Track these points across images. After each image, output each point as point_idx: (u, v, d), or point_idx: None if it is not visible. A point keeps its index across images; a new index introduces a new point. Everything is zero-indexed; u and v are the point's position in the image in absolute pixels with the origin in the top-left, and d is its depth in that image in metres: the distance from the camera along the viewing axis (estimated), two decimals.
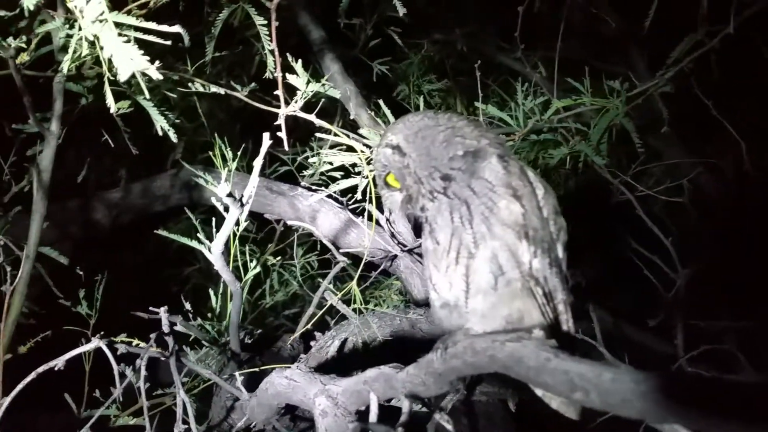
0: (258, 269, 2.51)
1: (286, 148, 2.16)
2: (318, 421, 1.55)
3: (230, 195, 1.60)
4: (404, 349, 2.37)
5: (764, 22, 2.57)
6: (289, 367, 1.89)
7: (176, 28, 1.51)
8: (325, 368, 1.91)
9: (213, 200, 1.88)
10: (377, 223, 2.50)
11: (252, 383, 2.08)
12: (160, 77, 1.50)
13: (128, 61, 1.26)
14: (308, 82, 2.16)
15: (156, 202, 3.00)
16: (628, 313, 2.95)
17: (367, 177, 2.38)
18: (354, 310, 2.45)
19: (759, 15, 2.46)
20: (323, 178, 2.67)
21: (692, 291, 2.65)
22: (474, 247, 1.40)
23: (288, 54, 2.17)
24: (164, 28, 1.52)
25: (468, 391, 2.39)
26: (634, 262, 2.76)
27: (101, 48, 1.34)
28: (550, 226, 1.49)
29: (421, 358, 1.40)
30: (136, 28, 1.53)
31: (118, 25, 1.53)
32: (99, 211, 2.91)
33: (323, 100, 2.31)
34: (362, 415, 1.54)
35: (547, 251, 1.45)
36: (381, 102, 2.61)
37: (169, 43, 1.59)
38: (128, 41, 1.48)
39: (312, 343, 2.49)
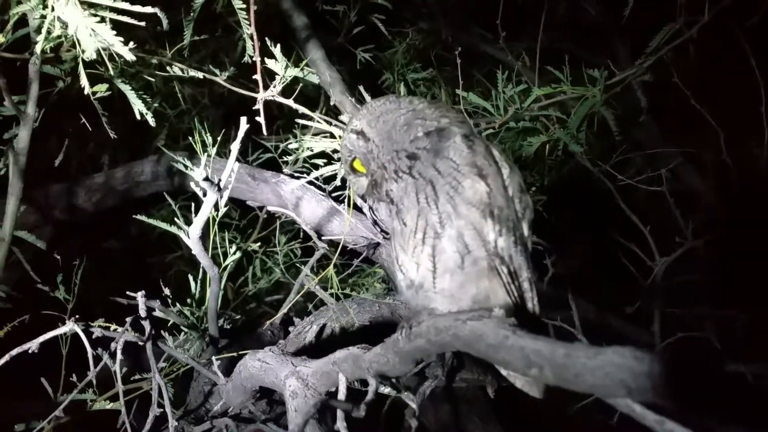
0: (238, 255, 2.51)
1: (264, 132, 2.16)
2: (288, 401, 1.56)
3: (207, 179, 1.60)
4: (383, 334, 2.39)
5: (742, 12, 2.59)
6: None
7: (150, 9, 1.51)
8: (303, 354, 1.90)
9: (192, 185, 1.88)
10: (360, 210, 2.51)
11: (231, 369, 2.08)
12: (132, 57, 1.50)
13: (90, 35, 1.25)
14: (287, 67, 2.16)
15: (138, 187, 2.99)
16: (608, 302, 2.97)
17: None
18: (331, 295, 2.46)
19: (736, 4, 2.47)
20: (306, 166, 2.67)
21: (671, 280, 2.67)
22: (440, 227, 1.41)
23: (268, 39, 2.16)
24: (138, 8, 1.53)
25: (448, 378, 2.41)
26: (614, 251, 2.77)
27: (67, 25, 1.34)
28: (515, 204, 1.50)
29: (387, 338, 1.41)
30: (111, 9, 1.53)
31: (91, 5, 1.53)
32: (80, 195, 2.90)
33: (307, 87, 2.29)
34: (332, 397, 1.55)
35: (512, 230, 1.46)
36: (362, 89, 2.60)
37: (143, 24, 1.59)
38: (101, 21, 1.49)
39: (291, 329, 2.50)
